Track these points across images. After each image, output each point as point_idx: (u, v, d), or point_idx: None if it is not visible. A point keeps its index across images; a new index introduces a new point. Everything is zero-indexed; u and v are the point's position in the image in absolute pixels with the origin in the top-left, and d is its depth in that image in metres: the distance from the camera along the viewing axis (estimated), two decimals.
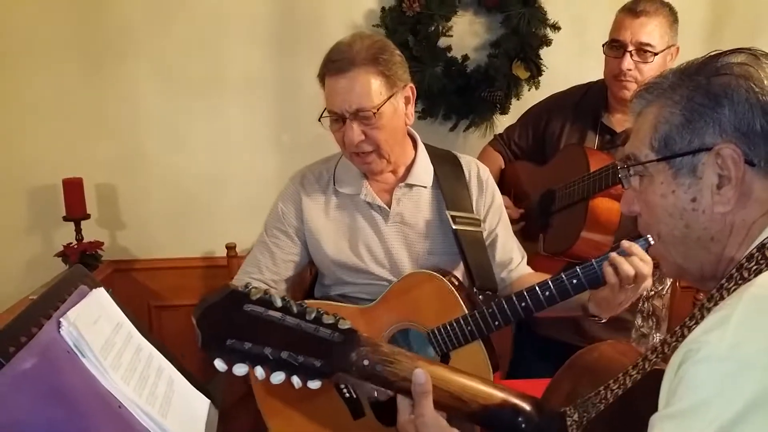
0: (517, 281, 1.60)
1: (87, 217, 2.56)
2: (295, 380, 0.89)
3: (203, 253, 2.75)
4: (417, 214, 1.57)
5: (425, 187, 1.58)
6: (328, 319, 0.88)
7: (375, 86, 1.40)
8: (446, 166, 1.61)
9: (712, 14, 2.63)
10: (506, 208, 1.83)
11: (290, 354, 0.87)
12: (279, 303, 0.85)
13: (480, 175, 1.62)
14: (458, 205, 1.56)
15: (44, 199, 2.63)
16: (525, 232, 2.02)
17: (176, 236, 2.73)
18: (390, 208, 1.56)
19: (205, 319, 0.84)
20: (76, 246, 2.53)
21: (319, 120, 1.48)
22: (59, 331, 0.94)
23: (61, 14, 2.53)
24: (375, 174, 1.55)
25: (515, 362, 2.19)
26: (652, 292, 1.94)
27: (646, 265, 1.31)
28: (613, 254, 1.33)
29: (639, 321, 1.94)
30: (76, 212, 2.53)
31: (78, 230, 2.55)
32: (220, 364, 0.86)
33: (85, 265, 2.46)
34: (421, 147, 1.62)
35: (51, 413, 0.85)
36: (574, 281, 1.36)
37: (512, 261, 1.62)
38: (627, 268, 1.30)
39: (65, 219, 2.54)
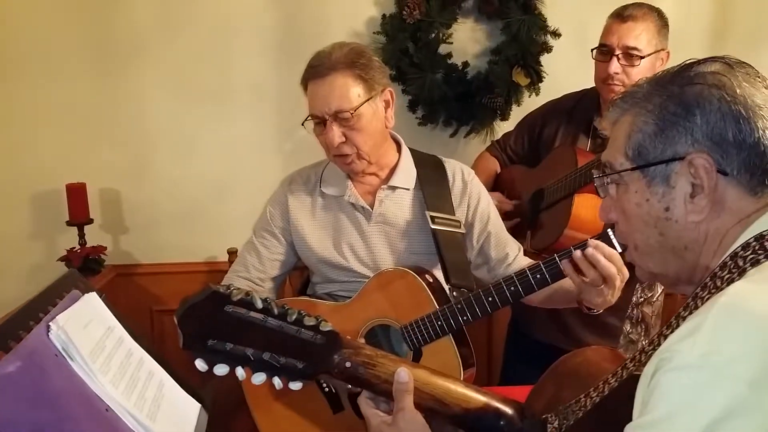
0: None
1: (90, 221, 2.59)
2: (276, 381, 0.89)
3: (206, 258, 2.76)
4: (399, 214, 1.61)
5: (407, 189, 1.63)
6: (309, 321, 0.89)
7: (353, 89, 1.47)
8: (430, 169, 1.66)
9: (714, 23, 2.62)
10: (500, 201, 1.93)
11: (272, 355, 0.88)
12: (260, 305, 0.86)
13: (464, 178, 1.66)
14: (438, 207, 1.60)
15: (48, 203, 2.66)
16: (516, 231, 2.02)
17: (179, 241, 2.74)
18: (372, 208, 1.60)
19: (187, 319, 0.85)
20: (79, 251, 2.56)
21: (303, 124, 1.54)
22: (48, 335, 0.95)
23: (70, 21, 2.56)
24: (356, 174, 1.60)
25: (508, 368, 2.20)
26: (642, 299, 1.94)
27: (607, 262, 1.30)
28: (576, 251, 1.33)
29: (628, 327, 1.94)
30: (79, 217, 2.55)
31: (81, 235, 2.57)
32: (200, 364, 0.87)
33: (88, 269, 2.51)
34: (405, 150, 1.66)
35: (37, 416, 0.86)
36: (537, 276, 1.39)
37: (508, 256, 1.65)
38: (585, 266, 1.31)
39: (68, 224, 2.56)
